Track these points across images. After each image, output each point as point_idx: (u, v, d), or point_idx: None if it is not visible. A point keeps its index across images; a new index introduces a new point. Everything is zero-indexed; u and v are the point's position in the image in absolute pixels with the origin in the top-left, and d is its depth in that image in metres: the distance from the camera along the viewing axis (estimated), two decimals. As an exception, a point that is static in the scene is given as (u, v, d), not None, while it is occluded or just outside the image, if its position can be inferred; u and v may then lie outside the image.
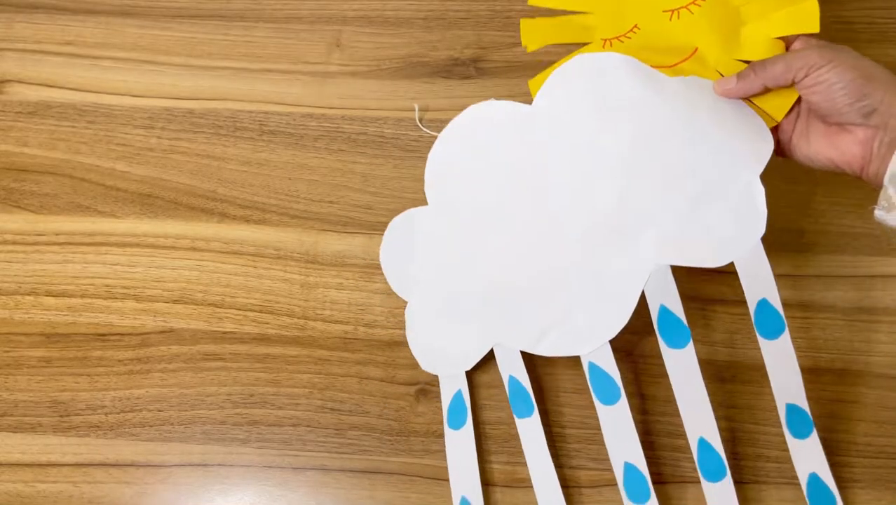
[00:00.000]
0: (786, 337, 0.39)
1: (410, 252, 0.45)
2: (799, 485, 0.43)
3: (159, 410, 0.46)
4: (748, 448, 0.44)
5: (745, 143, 0.39)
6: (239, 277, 0.49)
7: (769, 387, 0.45)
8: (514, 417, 0.43)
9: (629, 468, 0.40)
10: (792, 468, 0.43)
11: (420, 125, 0.49)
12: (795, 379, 0.39)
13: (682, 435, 0.44)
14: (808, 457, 0.41)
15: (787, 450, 0.44)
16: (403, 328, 0.47)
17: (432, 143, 0.44)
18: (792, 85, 0.38)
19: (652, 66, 0.40)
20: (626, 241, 0.40)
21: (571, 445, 0.44)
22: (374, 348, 0.47)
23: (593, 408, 0.45)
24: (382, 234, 0.47)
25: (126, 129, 0.54)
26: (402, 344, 0.47)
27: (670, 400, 0.45)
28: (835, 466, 0.43)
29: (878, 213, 0.36)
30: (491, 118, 0.42)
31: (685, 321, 0.40)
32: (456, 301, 0.44)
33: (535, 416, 0.42)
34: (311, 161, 0.52)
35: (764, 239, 0.49)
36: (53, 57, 0.57)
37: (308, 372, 0.47)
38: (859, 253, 0.48)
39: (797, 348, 0.46)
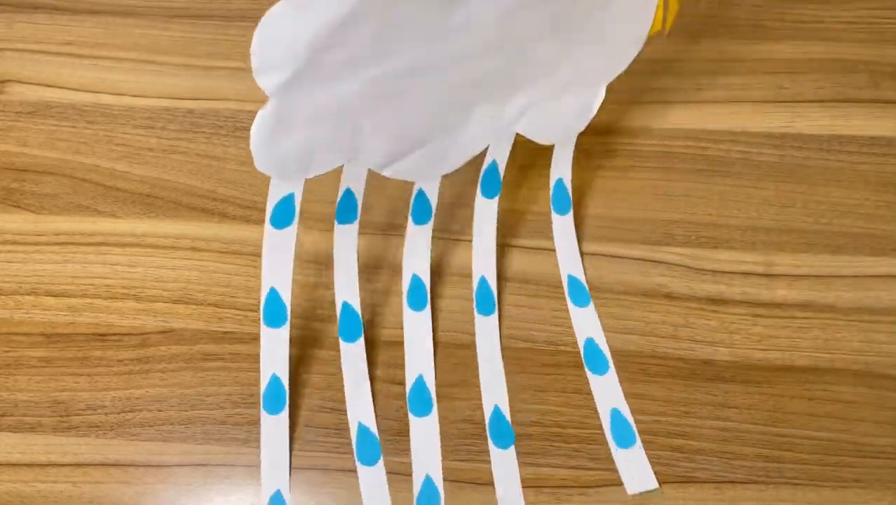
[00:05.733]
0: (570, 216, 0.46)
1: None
2: (799, 485, 0.43)
3: (159, 410, 0.46)
4: (748, 448, 0.44)
5: (621, 54, 0.44)
6: (239, 277, 0.49)
7: (767, 386, 0.45)
8: (336, 222, 0.44)
9: (415, 279, 0.45)
10: (792, 468, 0.43)
11: None
12: (575, 254, 0.46)
13: (682, 435, 0.44)
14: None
15: (787, 450, 0.44)
16: (403, 328, 0.47)
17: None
18: None
19: None
20: (496, 98, 0.43)
21: (571, 445, 0.44)
22: (375, 348, 0.47)
23: (593, 408, 0.45)
24: (382, 234, 0.47)
25: (126, 129, 0.54)
26: (403, 344, 0.47)
27: (670, 400, 0.45)
28: (835, 466, 0.43)
29: None
30: None
31: (501, 177, 0.46)
32: (336, 109, 0.39)
33: (356, 223, 0.44)
34: (311, 161, 0.52)
35: (765, 239, 0.49)
36: (53, 57, 0.57)
37: (308, 372, 0.47)
38: (859, 253, 0.48)
39: (797, 348, 0.46)
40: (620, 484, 0.43)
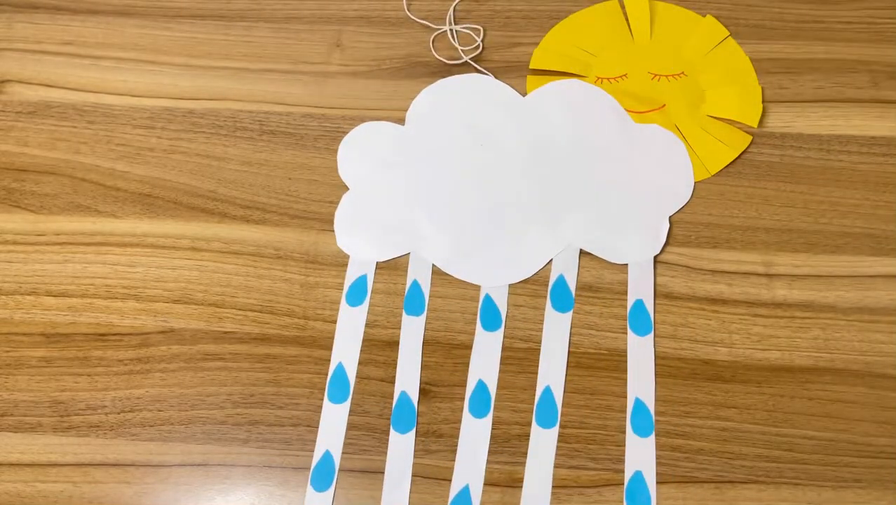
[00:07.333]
0: (651, 337, 0.46)
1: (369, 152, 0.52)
2: (799, 485, 0.43)
3: (159, 410, 0.46)
4: (748, 448, 0.44)
5: (672, 186, 0.50)
6: (239, 277, 0.49)
7: (767, 386, 0.45)
8: (405, 313, 0.47)
9: (480, 384, 0.46)
10: (792, 468, 0.43)
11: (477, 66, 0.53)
12: (649, 377, 0.45)
13: (682, 435, 0.44)
14: (639, 456, 0.44)
15: (787, 450, 0.44)
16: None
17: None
18: None
19: (626, 108, 0.53)
20: (552, 217, 0.50)
21: (571, 445, 0.44)
22: (374, 348, 0.47)
23: (593, 407, 0.45)
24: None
25: (126, 129, 0.54)
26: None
27: (669, 400, 0.45)
28: (835, 466, 0.43)
29: None
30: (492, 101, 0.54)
31: (574, 294, 0.48)
32: (402, 207, 0.51)
33: (423, 317, 0.48)
34: (311, 161, 0.52)
35: (765, 239, 0.49)
36: (53, 57, 0.57)
37: (308, 372, 0.47)
38: (859, 253, 0.48)
39: (797, 348, 0.46)
40: (621, 484, 0.43)
